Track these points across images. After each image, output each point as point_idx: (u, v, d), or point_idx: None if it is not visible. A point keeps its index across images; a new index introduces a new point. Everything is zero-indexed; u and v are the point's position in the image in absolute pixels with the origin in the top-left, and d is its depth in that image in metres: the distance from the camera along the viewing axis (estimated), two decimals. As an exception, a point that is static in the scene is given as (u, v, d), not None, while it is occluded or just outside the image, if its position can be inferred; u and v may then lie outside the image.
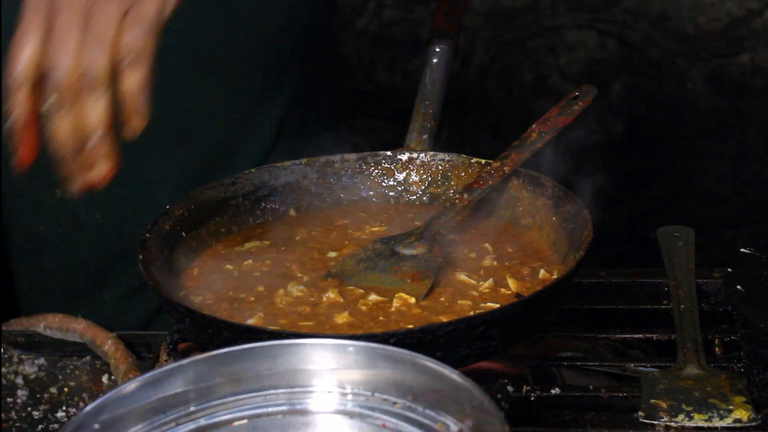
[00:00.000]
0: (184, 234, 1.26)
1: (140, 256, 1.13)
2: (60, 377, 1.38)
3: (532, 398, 1.11)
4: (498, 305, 1.11)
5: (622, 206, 1.81)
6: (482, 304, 1.12)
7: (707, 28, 2.38)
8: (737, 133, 2.38)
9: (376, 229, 1.31)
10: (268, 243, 1.27)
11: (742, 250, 1.27)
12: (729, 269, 1.23)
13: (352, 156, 1.41)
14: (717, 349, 1.22)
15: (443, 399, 0.84)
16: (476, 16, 2.44)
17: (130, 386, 0.86)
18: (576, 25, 2.38)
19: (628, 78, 2.48)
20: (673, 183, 2.09)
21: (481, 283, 1.15)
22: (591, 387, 1.13)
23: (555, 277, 1.16)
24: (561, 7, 2.38)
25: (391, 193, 1.41)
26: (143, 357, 1.33)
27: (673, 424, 1.07)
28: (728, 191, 1.98)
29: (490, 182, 1.30)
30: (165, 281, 1.16)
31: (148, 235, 1.17)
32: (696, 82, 2.39)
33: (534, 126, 1.34)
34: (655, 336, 1.24)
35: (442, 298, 1.14)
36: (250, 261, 1.22)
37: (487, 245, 1.27)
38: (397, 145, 1.41)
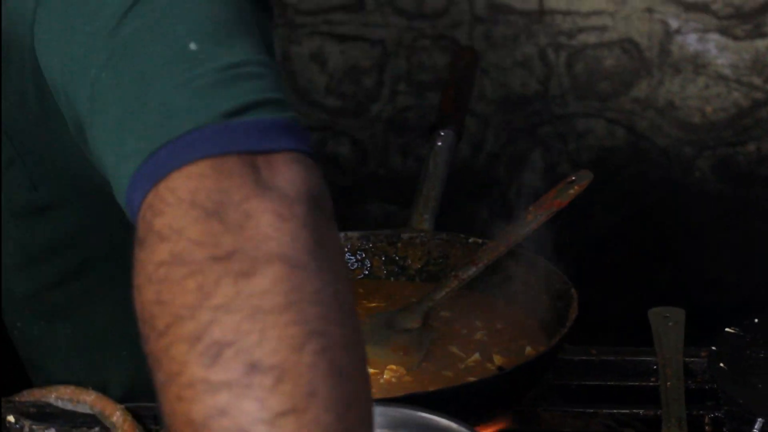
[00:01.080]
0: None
1: None
2: (63, 440, 1.46)
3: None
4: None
5: (629, 290, 1.80)
6: (467, 378, 1.17)
7: (714, 118, 2.39)
8: (743, 220, 2.40)
9: (374, 304, 1.34)
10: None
11: (726, 329, 1.31)
12: (713, 347, 1.27)
13: (355, 234, 1.44)
14: (707, 428, 1.26)
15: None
16: (488, 103, 2.43)
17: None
18: (585, 113, 2.39)
19: (637, 165, 2.45)
20: (679, 268, 2.10)
21: (468, 356, 1.20)
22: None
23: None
24: (570, 95, 2.40)
25: (391, 271, 1.44)
26: (150, 429, 1.34)
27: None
28: (732, 278, 2.00)
29: (485, 261, 1.33)
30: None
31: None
32: (703, 170, 2.39)
33: (530, 208, 1.36)
34: (642, 411, 1.26)
35: (429, 367, 1.18)
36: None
37: (477, 322, 1.30)
38: (407, 228, 1.50)
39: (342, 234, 1.44)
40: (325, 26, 2.55)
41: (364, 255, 1.45)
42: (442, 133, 1.55)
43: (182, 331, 0.79)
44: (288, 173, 0.85)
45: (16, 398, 1.46)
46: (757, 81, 2.42)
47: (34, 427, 1.40)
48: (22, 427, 1.40)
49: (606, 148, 2.48)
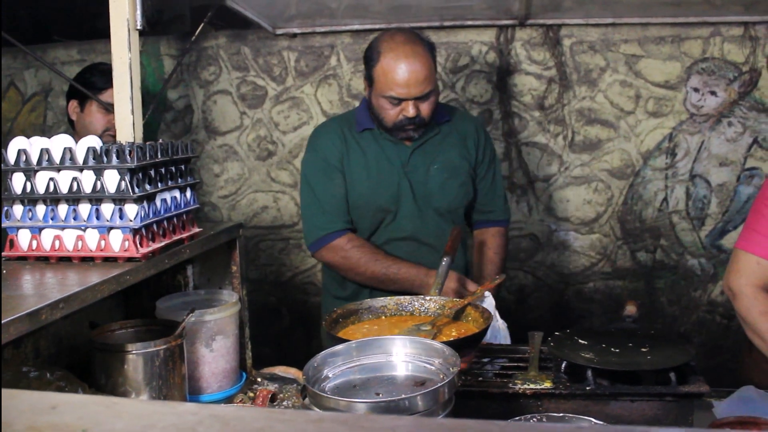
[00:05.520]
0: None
1: None
2: (282, 391, 2.06)
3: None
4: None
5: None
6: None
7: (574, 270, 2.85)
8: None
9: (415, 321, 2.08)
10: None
11: (555, 333, 2.11)
12: (549, 339, 2.08)
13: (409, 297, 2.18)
14: (548, 368, 1.98)
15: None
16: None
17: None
18: (514, 268, 2.94)
19: (537, 292, 3.02)
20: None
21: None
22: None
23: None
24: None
25: (423, 310, 2.18)
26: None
27: (519, 384, 1.88)
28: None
29: (459, 305, 2.11)
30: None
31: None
32: (569, 295, 2.90)
33: (479, 286, 2.26)
34: (520, 364, 2.04)
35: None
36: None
37: (453, 329, 2.04)
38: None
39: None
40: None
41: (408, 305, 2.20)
42: (445, 258, 2.33)
43: None
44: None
45: (261, 371, 2.16)
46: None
47: (266, 381, 2.14)
48: (262, 382, 2.15)
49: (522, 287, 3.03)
